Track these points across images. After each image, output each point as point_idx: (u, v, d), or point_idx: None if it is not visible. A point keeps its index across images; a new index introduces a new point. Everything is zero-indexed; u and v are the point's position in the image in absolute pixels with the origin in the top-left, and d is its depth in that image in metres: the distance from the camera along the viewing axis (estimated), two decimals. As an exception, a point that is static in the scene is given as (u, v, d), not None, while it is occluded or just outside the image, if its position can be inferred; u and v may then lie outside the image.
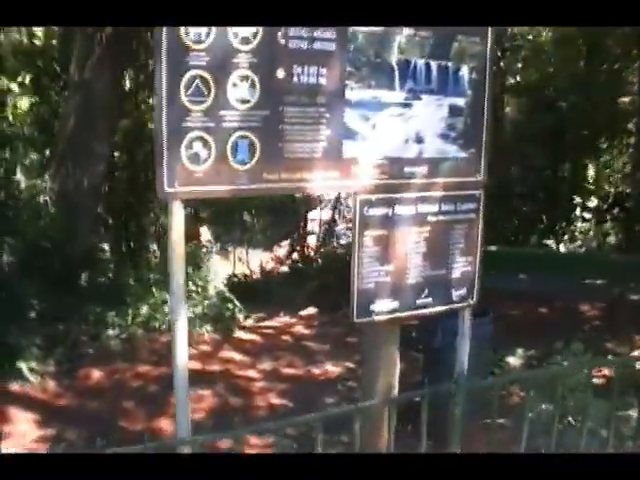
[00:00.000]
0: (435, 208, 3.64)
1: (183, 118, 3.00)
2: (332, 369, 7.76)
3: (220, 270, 10.22)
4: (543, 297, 9.49)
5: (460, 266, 3.77)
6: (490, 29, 3.63)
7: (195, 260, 8.69)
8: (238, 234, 14.76)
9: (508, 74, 13.07)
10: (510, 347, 7.45)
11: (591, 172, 14.29)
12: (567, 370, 4.36)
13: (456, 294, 3.79)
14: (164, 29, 2.94)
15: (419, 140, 3.53)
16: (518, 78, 13.58)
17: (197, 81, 3.01)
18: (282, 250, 14.82)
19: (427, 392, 3.02)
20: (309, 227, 15.12)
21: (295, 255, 14.18)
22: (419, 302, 3.67)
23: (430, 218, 3.63)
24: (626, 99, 13.38)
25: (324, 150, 3.30)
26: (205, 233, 12.87)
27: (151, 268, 9.34)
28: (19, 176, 7.56)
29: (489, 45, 3.64)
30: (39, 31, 9.61)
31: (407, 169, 3.52)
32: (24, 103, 9.01)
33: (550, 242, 12.76)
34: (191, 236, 8.83)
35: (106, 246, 9.57)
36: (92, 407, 6.31)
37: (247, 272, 13.53)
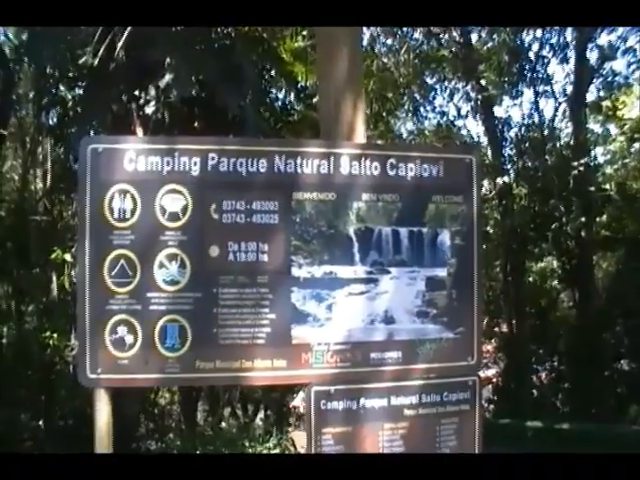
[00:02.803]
0: (414, 399, 3.03)
1: (107, 300, 2.77)
2: None
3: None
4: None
5: (454, 471, 3.08)
6: (475, 188, 3.16)
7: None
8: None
9: (599, 227, 12.18)
10: None
11: None
12: None
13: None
14: (87, 207, 2.78)
15: (389, 320, 3.01)
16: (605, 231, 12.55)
17: (122, 261, 2.79)
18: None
19: None
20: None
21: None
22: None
23: (408, 412, 3.02)
24: None
25: (268, 336, 2.87)
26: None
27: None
28: None
29: (475, 204, 3.15)
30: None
31: (374, 355, 2.99)
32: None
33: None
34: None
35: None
36: None
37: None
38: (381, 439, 2.98)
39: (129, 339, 2.78)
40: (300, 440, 8.94)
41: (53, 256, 7.68)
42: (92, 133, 7.12)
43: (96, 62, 7.00)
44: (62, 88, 8.74)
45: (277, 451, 8.01)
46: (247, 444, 8.08)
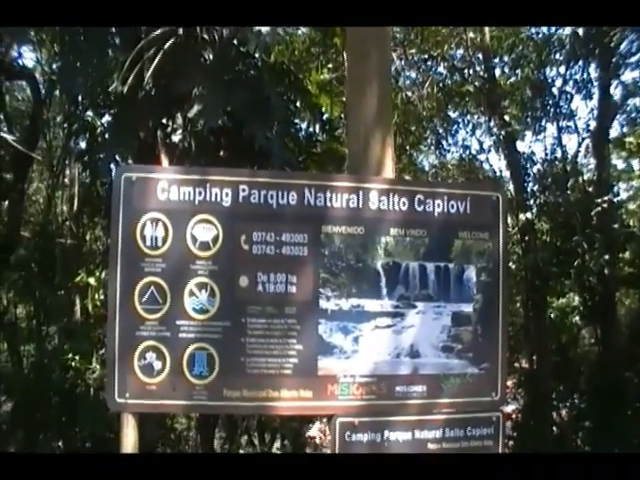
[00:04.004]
0: (438, 434, 3.04)
1: (137, 327, 2.83)
2: None
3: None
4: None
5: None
6: (501, 225, 3.19)
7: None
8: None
9: (622, 264, 12.07)
10: None
11: None
12: None
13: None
14: (119, 234, 2.84)
15: (414, 354, 3.03)
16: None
17: (152, 288, 2.85)
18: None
19: None
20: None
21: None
22: None
23: (431, 446, 3.02)
24: None
25: (295, 366, 2.91)
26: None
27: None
28: None
29: (501, 241, 3.18)
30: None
31: (399, 388, 3.01)
32: None
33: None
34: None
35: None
36: None
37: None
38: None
39: (157, 365, 2.83)
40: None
41: (77, 279, 7.77)
42: (119, 160, 7.25)
43: (125, 90, 7.13)
44: (91, 114, 8.90)
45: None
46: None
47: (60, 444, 7.86)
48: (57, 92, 9.79)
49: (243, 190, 2.96)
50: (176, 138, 7.03)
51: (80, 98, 8.74)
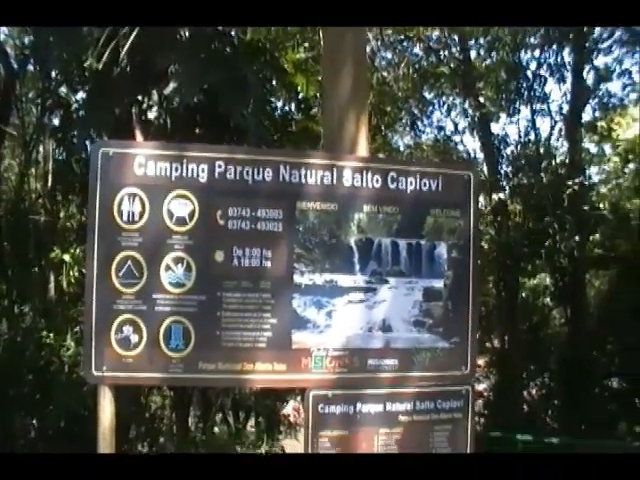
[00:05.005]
0: (409, 406, 3.12)
1: (114, 300, 2.86)
2: None
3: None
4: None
5: (446, 476, 3.16)
6: (472, 203, 3.26)
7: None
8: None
9: (592, 246, 12.24)
10: None
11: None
12: None
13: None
14: (96, 209, 2.86)
15: (386, 329, 3.11)
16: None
17: (129, 262, 2.88)
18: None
19: None
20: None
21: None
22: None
23: (402, 418, 3.11)
24: None
25: (269, 340, 2.96)
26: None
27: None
28: None
29: (472, 219, 3.25)
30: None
31: (372, 361, 3.08)
32: None
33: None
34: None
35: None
36: None
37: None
38: (376, 443, 3.06)
39: (134, 338, 2.86)
40: (291, 448, 8.97)
41: (52, 256, 7.70)
42: (94, 137, 7.19)
43: (100, 66, 7.06)
44: (65, 90, 8.78)
45: (268, 458, 8.02)
46: (239, 450, 8.09)
47: (34, 422, 7.83)
48: (30, 67, 9.63)
49: (219, 166, 2.99)
50: (152, 115, 6.99)
51: (54, 74, 8.62)
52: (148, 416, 9.70)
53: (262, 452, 8.10)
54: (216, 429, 10.66)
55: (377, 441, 3.06)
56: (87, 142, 7.48)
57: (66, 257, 7.50)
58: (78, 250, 7.55)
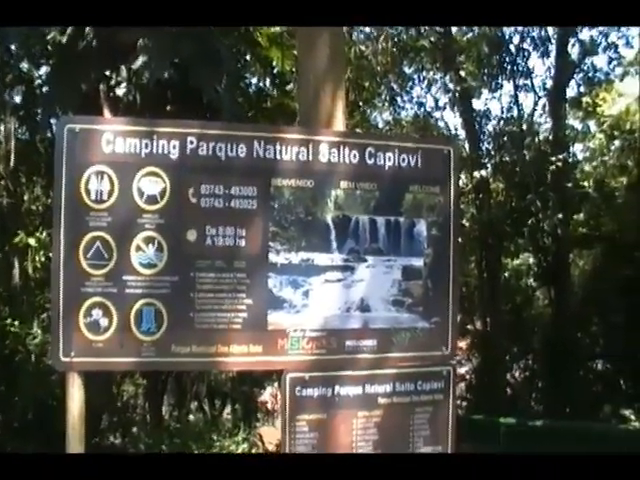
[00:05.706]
0: (388, 388, 3.05)
1: (82, 283, 2.73)
2: None
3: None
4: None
5: (426, 458, 3.11)
6: (452, 179, 3.18)
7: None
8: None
9: (576, 225, 12.17)
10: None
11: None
12: None
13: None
14: (63, 188, 2.73)
15: (364, 308, 3.02)
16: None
17: (98, 243, 2.75)
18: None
19: None
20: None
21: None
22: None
23: (382, 400, 3.04)
24: None
25: (244, 321, 2.87)
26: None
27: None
28: None
29: (452, 195, 3.17)
30: None
31: (350, 342, 3.00)
32: None
33: (628, 413, 10.33)
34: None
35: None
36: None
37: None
38: (355, 427, 2.99)
39: (104, 322, 2.75)
40: (268, 436, 8.90)
41: (16, 240, 7.48)
42: (59, 113, 6.97)
43: (64, 40, 6.82)
44: (27, 65, 8.48)
45: (245, 446, 7.95)
46: (215, 438, 8.01)
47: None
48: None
49: (191, 142, 2.87)
50: (120, 91, 6.80)
51: (14, 47, 8.31)
52: (120, 405, 9.57)
53: (239, 440, 8.00)
54: (191, 417, 10.55)
55: (356, 424, 2.99)
56: (52, 120, 7.25)
57: (31, 241, 7.29)
58: (44, 234, 7.34)
